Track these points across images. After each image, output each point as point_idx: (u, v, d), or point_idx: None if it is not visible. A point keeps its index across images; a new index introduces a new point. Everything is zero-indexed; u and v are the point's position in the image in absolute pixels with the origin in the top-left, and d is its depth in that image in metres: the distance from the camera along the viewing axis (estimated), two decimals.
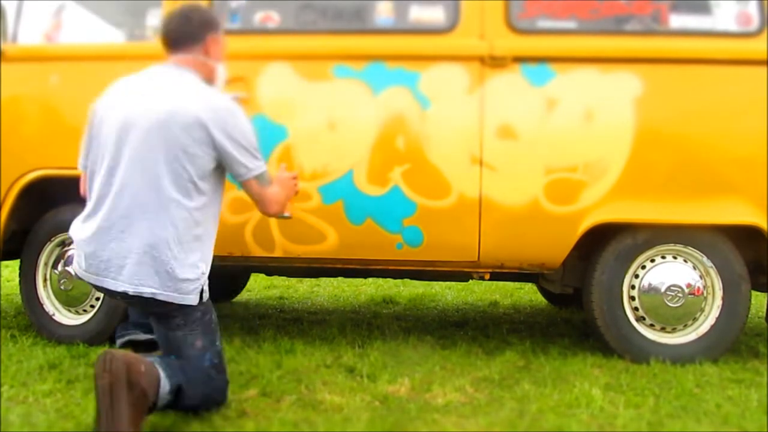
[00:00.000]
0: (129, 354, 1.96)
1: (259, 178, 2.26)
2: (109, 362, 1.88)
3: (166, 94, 2.18)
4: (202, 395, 2.13)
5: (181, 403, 2.07)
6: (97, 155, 2.22)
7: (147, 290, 2.11)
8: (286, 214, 2.60)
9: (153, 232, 2.10)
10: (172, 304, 2.14)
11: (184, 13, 2.33)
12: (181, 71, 2.26)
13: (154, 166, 2.12)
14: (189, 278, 2.14)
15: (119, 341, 2.58)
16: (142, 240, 2.10)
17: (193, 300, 2.16)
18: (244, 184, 2.28)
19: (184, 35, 2.28)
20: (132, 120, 2.15)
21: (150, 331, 2.45)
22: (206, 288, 2.22)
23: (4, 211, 3.08)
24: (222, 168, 2.24)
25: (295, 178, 2.54)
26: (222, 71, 2.38)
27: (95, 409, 1.89)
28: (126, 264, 2.11)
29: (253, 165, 2.23)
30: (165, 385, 2.00)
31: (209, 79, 2.32)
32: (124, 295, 2.15)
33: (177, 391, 2.04)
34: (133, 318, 2.59)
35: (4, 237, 3.12)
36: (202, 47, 2.30)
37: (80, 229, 2.22)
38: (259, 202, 2.33)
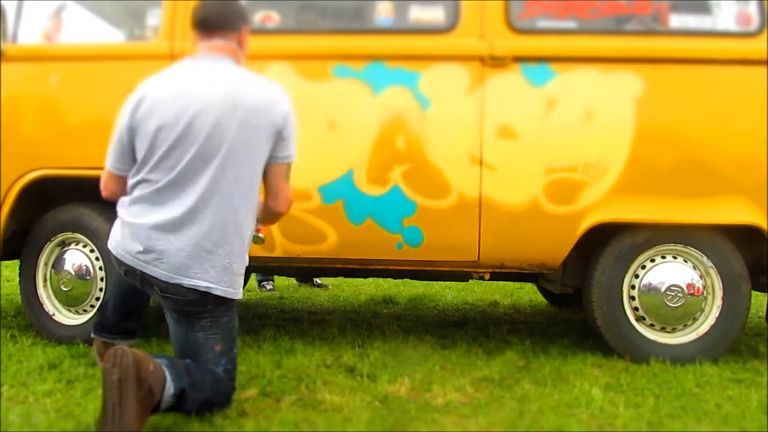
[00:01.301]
0: (138, 351, 1.97)
1: (289, 169, 2.31)
2: (120, 358, 1.88)
3: (232, 89, 2.17)
4: (204, 399, 2.12)
5: (183, 406, 2.07)
6: (154, 148, 2.15)
7: (203, 284, 2.12)
8: (262, 235, 2.56)
9: (217, 225, 2.13)
10: (209, 303, 2.16)
11: (223, 1, 2.32)
12: (222, 61, 2.25)
13: (228, 160, 2.13)
14: (242, 273, 2.21)
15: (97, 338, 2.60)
16: (205, 235, 2.12)
17: (240, 294, 2.21)
18: (276, 168, 2.26)
19: (225, 21, 2.28)
20: (203, 117, 2.12)
21: (125, 334, 2.52)
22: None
23: (4, 211, 3.08)
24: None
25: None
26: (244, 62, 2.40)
27: (101, 404, 1.89)
28: (183, 256, 2.11)
29: (293, 150, 2.29)
30: (170, 388, 2.00)
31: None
32: (173, 287, 2.14)
33: (180, 395, 2.04)
34: (111, 320, 2.56)
35: (4, 237, 3.12)
36: (237, 36, 2.32)
37: (136, 213, 2.18)
38: (276, 194, 2.30)
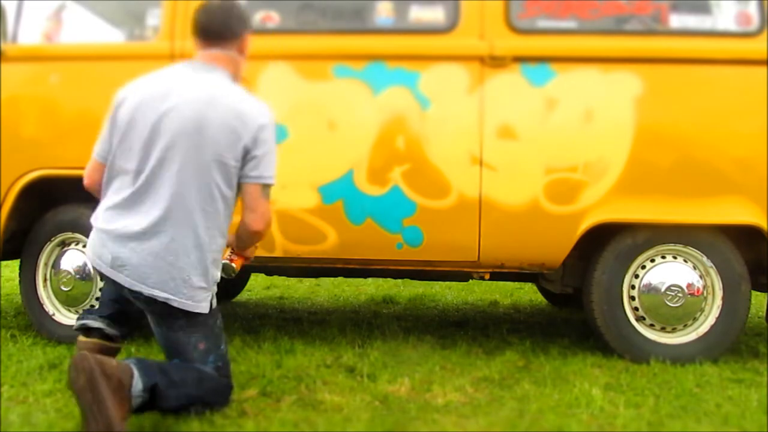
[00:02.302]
0: (98, 355, 1.98)
1: (267, 188, 2.23)
2: (81, 362, 1.91)
3: (206, 100, 2.15)
4: (189, 396, 2.12)
5: (161, 403, 2.06)
6: (125, 150, 2.17)
7: (161, 294, 2.12)
8: (234, 265, 2.39)
9: (176, 238, 2.11)
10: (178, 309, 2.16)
11: (224, 6, 2.29)
12: (214, 72, 2.23)
13: (188, 172, 2.12)
14: (204, 287, 2.17)
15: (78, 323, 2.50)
16: (166, 245, 2.11)
17: (204, 308, 2.18)
18: (250, 187, 2.21)
19: (226, 29, 2.25)
20: (170, 123, 2.13)
21: (116, 323, 2.41)
22: (215, 296, 2.25)
23: (4, 211, 3.08)
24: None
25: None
26: (244, 67, 2.39)
27: (80, 413, 1.90)
28: (144, 266, 2.12)
29: (273, 173, 2.23)
30: (137, 383, 1.99)
31: (236, 75, 2.31)
32: (136, 294, 2.16)
33: (153, 391, 2.03)
34: (103, 311, 2.47)
35: (4, 237, 3.12)
36: (238, 44, 2.29)
37: (106, 220, 2.19)
38: (253, 210, 2.22)
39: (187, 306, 2.14)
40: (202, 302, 2.17)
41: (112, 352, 2.35)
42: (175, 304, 2.13)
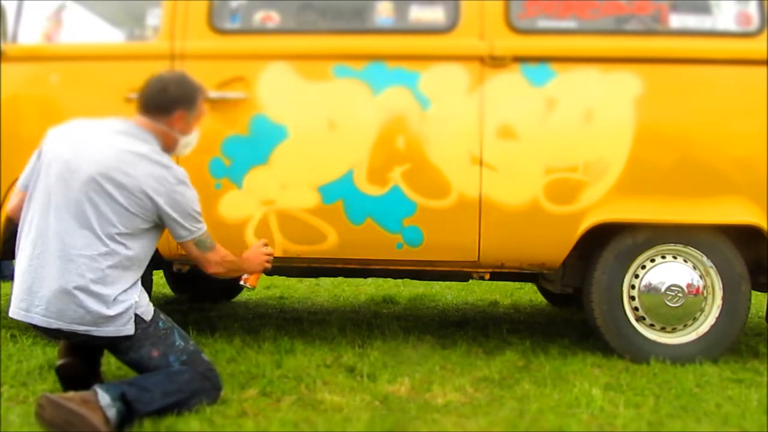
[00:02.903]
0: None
1: (197, 241, 2.32)
2: (40, 400, 1.98)
3: (117, 154, 2.21)
4: (168, 393, 2.14)
5: (141, 408, 2.08)
6: (36, 188, 2.26)
7: (81, 328, 2.16)
8: (248, 285, 2.62)
9: (81, 274, 2.14)
10: (104, 339, 2.20)
11: (163, 83, 2.35)
12: (141, 133, 2.30)
13: (81, 215, 2.16)
14: (120, 312, 2.18)
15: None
16: (71, 281, 2.14)
17: (129, 330, 2.20)
18: (182, 245, 2.35)
19: (155, 105, 2.32)
20: (74, 167, 2.19)
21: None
22: (142, 310, 2.25)
23: (4, 211, 3.08)
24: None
25: (270, 254, 2.60)
26: (190, 139, 2.42)
27: None
28: (57, 302, 2.15)
29: (194, 228, 2.30)
30: (103, 396, 2.01)
31: (168, 146, 2.37)
32: (57, 333, 2.20)
33: (124, 400, 2.04)
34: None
35: (4, 237, 3.11)
36: (169, 120, 2.33)
37: (17, 261, 2.26)
38: (198, 262, 2.40)
39: (110, 332, 2.18)
40: (125, 326, 2.19)
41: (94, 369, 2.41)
42: (97, 334, 2.17)
